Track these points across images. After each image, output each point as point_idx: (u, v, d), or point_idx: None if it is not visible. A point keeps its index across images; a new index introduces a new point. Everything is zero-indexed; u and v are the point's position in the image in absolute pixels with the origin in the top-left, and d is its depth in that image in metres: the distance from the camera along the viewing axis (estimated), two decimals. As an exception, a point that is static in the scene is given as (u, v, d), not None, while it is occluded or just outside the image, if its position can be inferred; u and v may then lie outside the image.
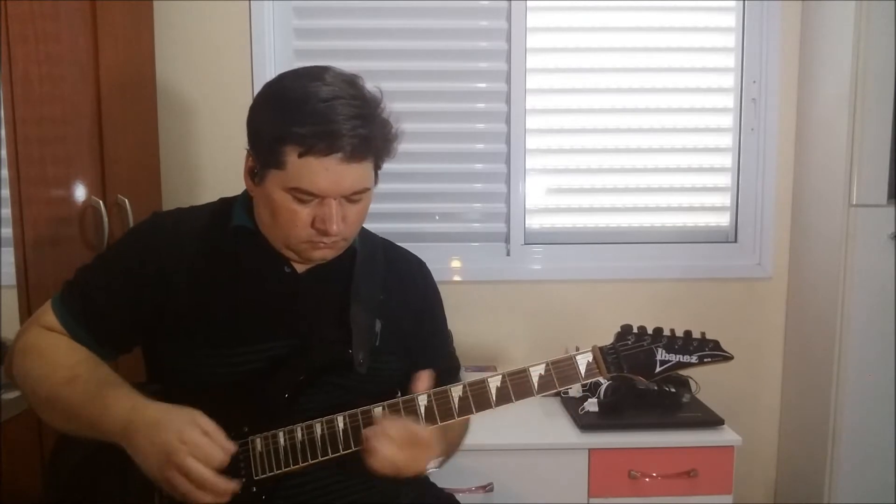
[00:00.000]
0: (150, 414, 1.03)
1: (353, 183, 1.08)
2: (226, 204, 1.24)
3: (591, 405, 1.87)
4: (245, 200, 1.22)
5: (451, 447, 1.22)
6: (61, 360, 1.11)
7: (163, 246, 1.17)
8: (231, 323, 1.14)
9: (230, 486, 1.02)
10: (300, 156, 1.04)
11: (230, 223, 1.19)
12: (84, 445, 1.10)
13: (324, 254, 1.15)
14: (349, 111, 1.04)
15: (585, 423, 1.80)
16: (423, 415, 1.07)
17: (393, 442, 1.03)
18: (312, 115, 1.03)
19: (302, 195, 1.07)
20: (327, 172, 1.05)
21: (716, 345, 1.12)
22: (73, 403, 1.07)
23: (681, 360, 1.10)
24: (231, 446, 1.04)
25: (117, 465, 1.06)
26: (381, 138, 1.09)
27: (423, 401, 1.08)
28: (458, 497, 1.41)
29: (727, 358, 1.12)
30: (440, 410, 1.07)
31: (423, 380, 1.10)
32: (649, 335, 1.11)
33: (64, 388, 1.08)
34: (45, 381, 1.10)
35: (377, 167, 1.13)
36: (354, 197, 1.10)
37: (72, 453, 1.14)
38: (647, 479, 1.75)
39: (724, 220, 2.28)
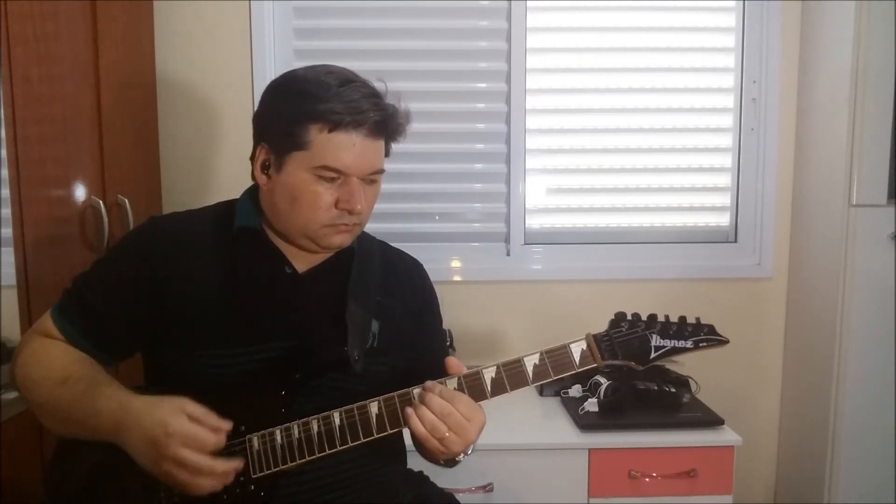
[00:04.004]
0: (135, 410, 1.03)
1: (373, 160, 1.13)
2: (227, 207, 1.24)
3: (591, 405, 1.87)
4: (247, 202, 1.22)
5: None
6: (55, 363, 1.12)
7: (160, 250, 1.17)
8: (230, 324, 1.14)
9: (230, 465, 1.02)
10: (330, 131, 1.08)
11: (233, 225, 1.19)
12: (82, 454, 1.10)
13: (343, 238, 1.16)
14: (365, 91, 1.11)
15: (585, 423, 1.80)
16: None
17: (431, 410, 1.03)
18: (335, 95, 1.08)
19: (328, 173, 1.10)
20: (353, 148, 1.10)
21: (710, 329, 1.11)
22: (67, 405, 1.08)
23: (676, 345, 1.10)
24: (225, 425, 1.03)
25: (116, 474, 1.06)
26: (396, 116, 1.14)
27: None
28: (458, 497, 1.41)
29: (723, 342, 1.11)
30: None
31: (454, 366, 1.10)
32: (643, 321, 1.11)
33: (57, 389, 1.09)
34: (41, 385, 1.11)
35: (387, 150, 1.18)
36: (372, 177, 1.15)
37: (70, 462, 1.14)
38: (647, 479, 1.75)
39: (724, 220, 2.28)
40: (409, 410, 1.05)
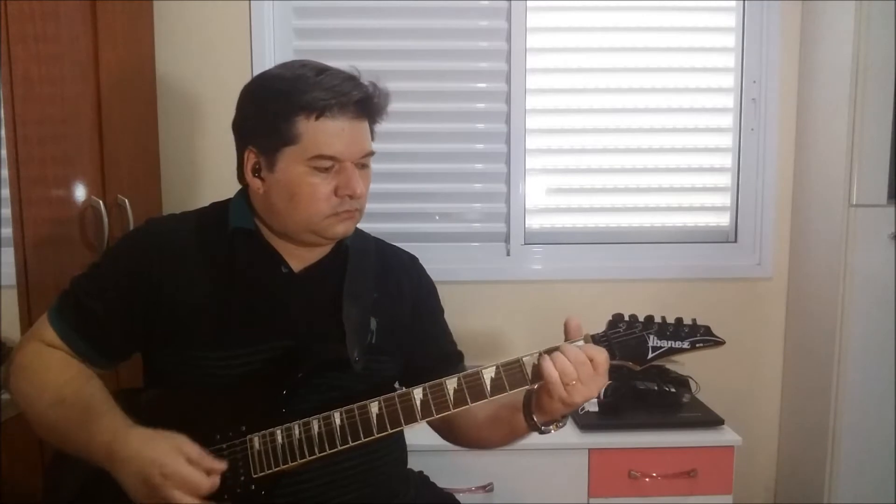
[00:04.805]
0: (131, 445, 1.02)
1: (363, 143, 1.15)
2: (220, 207, 1.24)
3: (591, 405, 1.87)
4: (241, 202, 1.22)
5: None
6: (50, 381, 1.11)
7: (157, 251, 1.17)
8: (229, 325, 1.14)
9: None
10: (316, 118, 1.09)
11: (227, 226, 1.19)
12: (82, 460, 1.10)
13: (346, 226, 1.17)
14: (343, 76, 1.13)
15: (585, 423, 1.80)
16: (419, 408, 1.08)
17: (566, 356, 1.05)
18: (316, 83, 1.10)
19: (322, 162, 1.11)
20: (343, 133, 1.11)
21: (707, 330, 1.12)
22: (60, 427, 1.07)
23: (672, 345, 1.11)
24: (219, 465, 1.03)
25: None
26: (376, 95, 1.16)
27: (418, 394, 1.08)
28: (458, 497, 1.41)
29: (719, 343, 1.12)
30: (436, 403, 1.08)
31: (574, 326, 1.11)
32: (640, 322, 1.12)
33: (51, 411, 1.08)
34: (35, 403, 1.10)
35: (372, 134, 1.19)
36: (364, 160, 1.16)
37: (70, 463, 1.13)
38: (647, 479, 1.75)
39: (724, 220, 2.28)
40: (544, 355, 1.06)
